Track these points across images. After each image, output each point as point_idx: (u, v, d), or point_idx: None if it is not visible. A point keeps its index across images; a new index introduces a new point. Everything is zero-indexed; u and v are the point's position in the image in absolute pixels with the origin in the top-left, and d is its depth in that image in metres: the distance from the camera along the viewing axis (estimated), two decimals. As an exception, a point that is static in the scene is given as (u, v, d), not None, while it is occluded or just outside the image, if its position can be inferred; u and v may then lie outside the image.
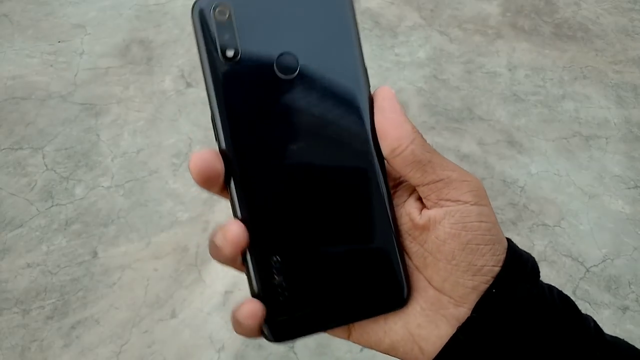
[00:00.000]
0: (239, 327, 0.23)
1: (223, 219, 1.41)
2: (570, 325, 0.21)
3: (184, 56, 1.88)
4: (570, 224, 1.45)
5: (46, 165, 1.52)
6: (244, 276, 0.23)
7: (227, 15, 0.20)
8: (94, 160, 1.54)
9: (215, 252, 0.23)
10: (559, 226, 1.44)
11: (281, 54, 0.21)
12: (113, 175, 1.51)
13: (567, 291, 1.30)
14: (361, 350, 1.19)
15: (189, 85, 1.77)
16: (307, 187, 0.21)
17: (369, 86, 0.22)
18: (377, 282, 0.22)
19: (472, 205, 0.21)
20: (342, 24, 0.20)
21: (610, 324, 1.26)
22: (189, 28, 1.98)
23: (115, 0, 2.09)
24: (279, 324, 0.23)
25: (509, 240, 0.23)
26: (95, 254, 1.34)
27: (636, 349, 0.22)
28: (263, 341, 1.21)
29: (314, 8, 0.20)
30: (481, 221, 0.21)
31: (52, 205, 1.43)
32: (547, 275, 1.34)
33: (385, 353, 0.23)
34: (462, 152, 1.62)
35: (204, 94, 0.23)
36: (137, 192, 1.47)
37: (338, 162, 0.21)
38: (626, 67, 1.92)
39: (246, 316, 0.22)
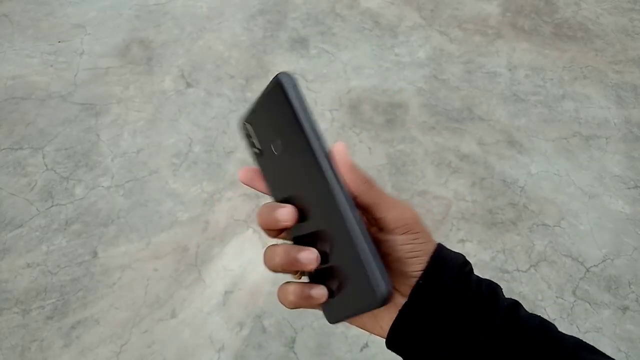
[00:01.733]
0: (308, 300, 0.30)
1: (223, 218, 1.41)
2: (484, 302, 0.29)
3: (184, 56, 1.88)
4: (570, 224, 1.45)
5: (46, 165, 1.52)
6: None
7: (248, 129, 0.35)
8: (94, 160, 1.54)
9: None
10: (559, 226, 1.44)
11: (273, 141, 0.33)
12: (113, 175, 1.51)
13: (567, 291, 1.30)
14: (361, 350, 1.19)
15: (189, 85, 1.77)
16: (306, 214, 0.31)
17: (326, 146, 0.31)
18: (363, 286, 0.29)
19: (399, 235, 0.30)
20: (301, 119, 0.31)
21: (610, 324, 1.26)
22: (189, 28, 1.99)
23: (115, 0, 2.09)
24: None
25: (440, 245, 0.31)
26: (95, 254, 1.34)
27: (546, 325, 0.29)
28: (263, 341, 1.21)
29: (286, 114, 0.31)
30: (404, 244, 0.30)
31: (52, 205, 1.43)
32: (547, 275, 1.34)
33: (359, 327, 0.32)
34: (462, 152, 1.62)
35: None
36: (137, 192, 1.47)
37: (318, 197, 0.30)
38: (626, 67, 1.92)
39: (320, 294, 0.30)
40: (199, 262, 1.33)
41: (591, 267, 1.36)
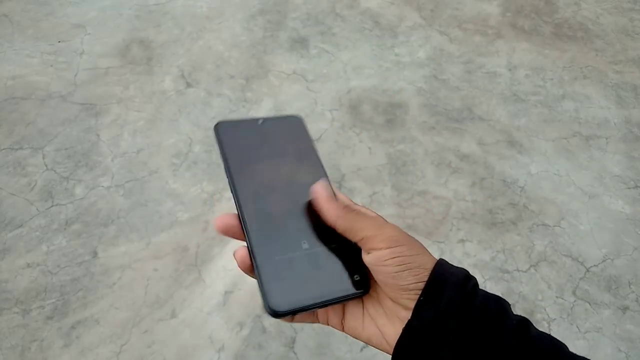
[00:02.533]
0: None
1: (223, 219, 1.41)
2: (491, 319, 0.28)
3: (184, 56, 1.88)
4: (570, 224, 1.45)
5: (46, 165, 1.52)
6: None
7: None
8: (94, 160, 1.54)
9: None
10: (559, 226, 1.44)
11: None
12: (113, 175, 1.51)
13: (567, 291, 1.30)
14: (361, 350, 1.19)
15: (189, 85, 1.77)
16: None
17: (237, 186, 0.35)
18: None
19: (385, 249, 0.30)
20: (224, 164, 0.36)
21: (610, 324, 1.26)
22: (189, 28, 1.99)
23: (115, 0, 2.09)
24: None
25: (441, 261, 0.31)
26: (95, 254, 1.34)
27: (557, 345, 0.28)
28: (263, 341, 1.21)
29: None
30: (394, 257, 0.30)
31: (52, 205, 1.43)
32: (547, 275, 1.34)
33: (365, 342, 0.33)
34: (462, 152, 1.62)
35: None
36: (137, 192, 1.47)
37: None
38: (626, 67, 1.92)
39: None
40: (199, 262, 1.33)
41: (591, 267, 1.36)
